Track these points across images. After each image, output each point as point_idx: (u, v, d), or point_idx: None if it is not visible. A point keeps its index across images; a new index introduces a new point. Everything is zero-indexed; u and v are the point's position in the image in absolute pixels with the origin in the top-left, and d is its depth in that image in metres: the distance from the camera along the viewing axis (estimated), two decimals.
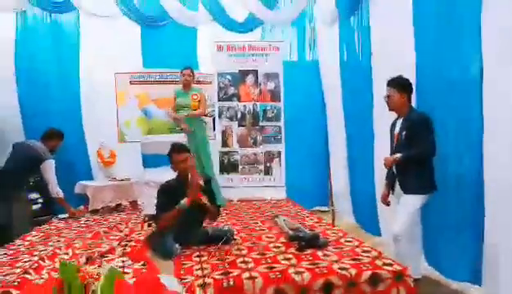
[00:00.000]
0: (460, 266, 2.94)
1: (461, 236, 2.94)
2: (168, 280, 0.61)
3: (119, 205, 4.87)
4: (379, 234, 4.27)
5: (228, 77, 5.33)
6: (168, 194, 2.99)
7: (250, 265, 2.51)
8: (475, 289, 2.85)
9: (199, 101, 4.68)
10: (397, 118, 3.14)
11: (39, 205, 4.81)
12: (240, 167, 5.30)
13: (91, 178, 5.33)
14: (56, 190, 4.23)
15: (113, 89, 5.55)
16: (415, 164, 2.94)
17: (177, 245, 2.86)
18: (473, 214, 2.81)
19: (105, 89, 5.53)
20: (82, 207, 4.74)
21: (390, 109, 3.16)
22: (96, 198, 4.65)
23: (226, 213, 4.26)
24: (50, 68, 5.37)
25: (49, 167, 4.13)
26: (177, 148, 3.10)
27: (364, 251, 2.68)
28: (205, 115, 4.99)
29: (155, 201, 3.04)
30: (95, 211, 4.62)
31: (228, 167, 5.28)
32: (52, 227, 4.06)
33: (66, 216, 4.44)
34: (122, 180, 4.92)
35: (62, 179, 5.09)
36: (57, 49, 5.42)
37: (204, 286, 2.22)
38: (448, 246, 3.10)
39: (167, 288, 0.58)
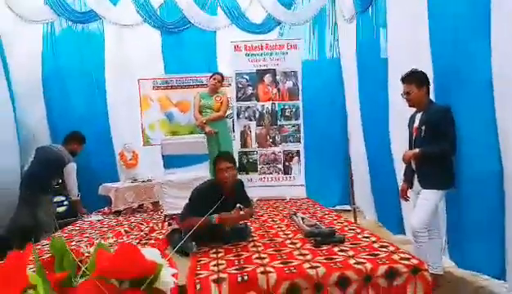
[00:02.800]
0: (483, 262, 2.85)
1: (484, 231, 2.84)
2: (149, 251, 0.62)
3: (141, 206, 4.97)
4: (404, 233, 4.18)
5: (246, 77, 5.36)
6: (202, 199, 3.00)
7: (265, 261, 2.51)
8: (500, 284, 2.75)
9: (221, 103, 4.80)
10: (415, 113, 3.07)
11: (65, 207, 4.97)
12: (259, 166, 5.32)
13: (117, 180, 5.48)
14: (74, 193, 4.38)
15: (137, 94, 5.73)
16: (435, 159, 2.87)
17: (193, 243, 2.89)
18: (495, 209, 2.72)
19: (130, 94, 5.73)
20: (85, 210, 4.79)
21: (410, 106, 3.09)
22: (119, 200, 4.75)
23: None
24: (76, 75, 5.59)
25: (71, 171, 4.28)
26: (223, 154, 3.21)
27: (381, 247, 2.62)
28: (226, 117, 5.07)
29: (187, 201, 3.09)
30: (118, 212, 4.72)
31: (247, 166, 5.30)
32: (77, 228, 4.19)
33: (92, 217, 4.57)
34: (143, 182, 5.02)
35: (89, 181, 5.30)
36: (83, 57, 5.65)
37: (218, 281, 2.25)
38: (472, 241, 3.00)
39: (147, 258, 0.59)
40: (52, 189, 4.45)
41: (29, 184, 4.16)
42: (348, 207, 5.52)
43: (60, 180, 4.57)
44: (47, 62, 5.47)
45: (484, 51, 2.70)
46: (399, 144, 3.57)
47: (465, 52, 2.95)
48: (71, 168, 4.28)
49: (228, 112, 5.61)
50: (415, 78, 2.98)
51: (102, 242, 0.66)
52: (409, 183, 3.12)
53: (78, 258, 0.75)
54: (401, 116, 3.37)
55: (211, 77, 4.95)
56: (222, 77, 5.00)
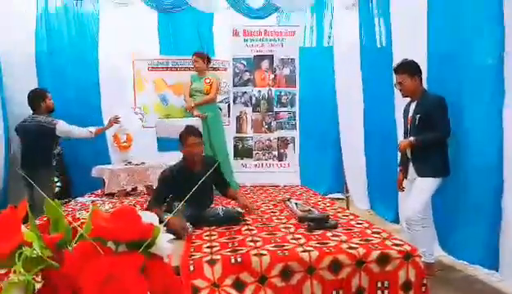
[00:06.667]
0: (475, 251, 2.87)
1: (477, 221, 2.87)
2: (146, 214, 0.61)
3: (134, 189, 4.94)
4: (397, 222, 4.20)
5: (243, 62, 5.32)
6: (166, 184, 3.06)
7: (259, 244, 2.51)
8: (491, 274, 2.79)
9: (210, 85, 4.71)
10: (410, 102, 3.08)
11: (57, 188, 4.92)
12: (254, 152, 5.30)
13: (109, 163, 5.43)
14: (86, 132, 4.25)
15: (131, 75, 5.65)
16: (430, 147, 2.89)
17: (188, 224, 2.89)
18: (490, 198, 2.74)
19: (124, 75, 5.63)
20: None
21: (404, 96, 3.12)
22: (112, 182, 4.71)
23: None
24: (70, 54, 5.47)
25: (64, 126, 4.08)
26: (190, 130, 3.15)
27: (374, 233, 2.64)
28: (214, 100, 4.93)
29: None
30: (111, 195, 4.69)
31: (242, 152, 5.29)
32: (69, 209, 4.15)
33: (84, 199, 4.54)
34: (137, 165, 4.98)
35: (80, 163, 5.25)
36: (77, 36, 5.52)
37: (212, 262, 2.25)
38: (463, 230, 3.03)
39: (143, 220, 0.58)
40: (54, 160, 4.25)
41: (28, 162, 3.99)
42: (340, 195, 5.54)
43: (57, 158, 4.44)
44: (41, 41, 5.34)
45: (490, 38, 2.70)
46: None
47: (468, 39, 2.94)
48: (62, 125, 4.07)
49: (222, 96, 5.57)
50: (407, 68, 3.00)
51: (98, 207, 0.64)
52: (405, 172, 3.13)
53: (73, 224, 0.73)
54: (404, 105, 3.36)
55: (191, 58, 4.83)
56: (205, 57, 4.82)
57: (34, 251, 0.54)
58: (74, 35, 5.50)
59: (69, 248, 0.66)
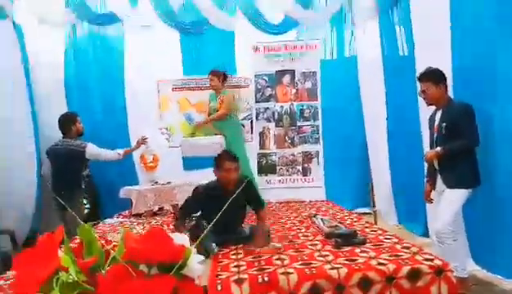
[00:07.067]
0: (511, 264, 2.76)
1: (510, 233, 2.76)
2: (178, 236, 0.62)
3: (161, 208, 4.99)
4: (427, 236, 4.09)
5: (265, 78, 5.35)
6: (197, 201, 3.07)
7: (286, 262, 2.49)
8: None
9: (221, 102, 4.74)
10: (435, 111, 3.03)
11: (86, 210, 5.02)
12: (278, 168, 5.29)
13: (136, 183, 5.52)
14: (114, 154, 4.34)
15: (156, 96, 5.79)
16: (458, 157, 2.81)
17: (214, 244, 2.88)
18: None
19: (149, 96, 5.78)
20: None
21: (429, 104, 3.08)
22: (140, 202, 4.77)
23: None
24: (97, 78, 5.66)
25: (93, 149, 4.17)
26: (227, 155, 3.12)
27: (404, 248, 2.57)
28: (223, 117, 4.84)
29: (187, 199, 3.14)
30: (138, 215, 4.74)
31: (266, 168, 5.28)
32: (98, 230, 4.21)
33: (113, 220, 4.61)
34: (164, 185, 5.04)
35: (108, 185, 5.37)
36: (104, 60, 5.70)
37: (239, 281, 2.24)
38: (498, 243, 2.92)
39: (175, 241, 0.59)
40: (83, 182, 4.38)
41: (58, 185, 4.10)
42: (367, 210, 5.43)
43: (87, 179, 4.54)
44: (69, 66, 5.56)
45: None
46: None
47: (489, 49, 2.89)
48: (91, 148, 4.17)
49: (245, 113, 5.61)
50: (431, 76, 2.96)
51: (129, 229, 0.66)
52: (433, 184, 3.06)
53: (106, 247, 0.75)
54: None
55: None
56: (220, 75, 4.84)
57: (70, 276, 0.56)
58: (100, 59, 5.68)
59: (103, 271, 0.68)
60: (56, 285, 0.54)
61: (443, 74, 2.95)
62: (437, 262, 2.24)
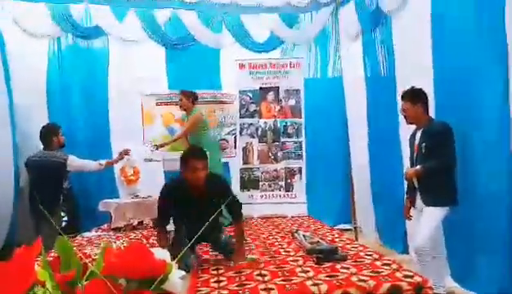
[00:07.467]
0: (488, 281, 2.81)
1: (490, 250, 2.82)
2: (158, 251, 0.62)
3: (140, 222, 4.92)
4: (406, 252, 4.13)
5: (249, 94, 5.40)
6: (166, 202, 2.85)
7: (267, 278, 2.48)
8: None
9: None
10: (416, 130, 3.10)
11: (64, 223, 4.91)
12: (261, 183, 5.30)
13: (117, 196, 5.44)
14: (95, 165, 4.30)
15: (139, 110, 5.75)
16: (437, 176, 2.87)
17: (193, 256, 2.85)
18: (503, 226, 2.70)
19: (132, 110, 5.72)
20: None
21: (408, 123, 3.15)
22: (119, 216, 4.70)
23: (246, 230, 4.24)
24: (80, 91, 5.60)
25: (75, 161, 4.13)
26: (193, 151, 2.86)
27: (384, 265, 2.60)
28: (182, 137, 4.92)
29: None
30: (117, 229, 4.66)
31: (249, 183, 5.28)
32: (75, 244, 4.12)
33: (91, 234, 4.52)
34: (144, 198, 4.98)
35: (88, 197, 5.28)
36: (87, 73, 5.66)
37: None
38: (476, 261, 2.97)
39: (155, 256, 0.58)
40: (62, 194, 4.26)
41: (36, 196, 4.02)
42: (348, 226, 5.47)
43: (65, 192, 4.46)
44: (52, 77, 5.48)
45: (494, 64, 2.74)
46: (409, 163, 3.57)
47: (472, 65, 2.99)
48: (73, 159, 4.11)
49: (229, 128, 5.64)
50: (410, 95, 3.04)
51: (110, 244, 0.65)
52: (412, 201, 3.11)
53: (84, 261, 0.74)
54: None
55: None
56: (189, 95, 4.84)
57: (47, 292, 0.55)
58: (84, 71, 5.64)
59: (80, 286, 0.67)
60: None
61: (422, 94, 3.02)
62: (417, 279, 2.27)
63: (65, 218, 4.97)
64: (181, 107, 4.90)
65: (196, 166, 2.68)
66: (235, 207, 2.94)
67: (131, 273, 0.58)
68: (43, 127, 4.24)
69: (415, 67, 3.73)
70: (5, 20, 4.90)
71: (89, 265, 0.71)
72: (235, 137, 5.56)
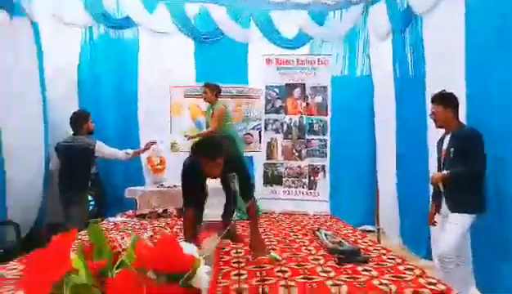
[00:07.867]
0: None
1: None
2: (185, 245, 0.63)
3: (165, 210, 5.00)
4: (429, 258, 4.05)
5: (276, 89, 5.38)
6: (191, 174, 2.79)
7: (287, 274, 2.48)
8: None
9: (212, 116, 4.74)
10: (445, 134, 3.02)
11: (90, 207, 5.05)
12: (284, 179, 5.28)
13: (143, 184, 5.55)
14: (122, 153, 4.36)
15: (168, 101, 5.83)
16: (464, 182, 2.80)
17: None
18: None
19: (161, 101, 5.82)
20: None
21: (437, 126, 3.07)
22: (144, 203, 4.81)
23: (268, 224, 4.26)
24: (111, 80, 5.74)
25: (102, 147, 4.21)
26: (205, 151, 2.57)
27: (407, 269, 2.55)
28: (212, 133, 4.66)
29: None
30: (142, 216, 4.76)
31: (272, 179, 5.27)
32: (102, 228, 4.23)
33: (117, 218, 4.63)
34: (169, 187, 5.06)
35: (115, 184, 5.41)
36: (118, 63, 5.79)
37: (240, 291, 2.23)
38: (503, 272, 2.88)
39: (184, 251, 0.59)
40: (90, 179, 4.41)
41: (65, 180, 4.13)
42: (370, 228, 5.40)
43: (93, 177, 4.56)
44: (84, 67, 5.64)
45: None
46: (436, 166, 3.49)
47: (504, 69, 2.89)
48: (100, 145, 4.20)
49: (254, 123, 5.64)
50: (440, 98, 2.96)
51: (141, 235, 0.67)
52: (437, 207, 3.04)
53: (115, 250, 0.75)
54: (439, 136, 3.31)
55: None
56: (213, 88, 4.79)
57: (81, 279, 0.57)
58: (115, 61, 5.77)
59: (111, 275, 0.68)
60: (67, 287, 0.55)
61: (454, 98, 2.94)
62: (441, 286, 2.21)
63: (92, 203, 5.12)
64: (205, 99, 4.91)
65: (210, 164, 2.57)
66: (243, 185, 2.90)
67: (161, 267, 0.59)
68: (74, 113, 4.34)
69: (447, 70, 3.64)
70: (37, 9, 5.03)
71: (120, 254, 0.72)
72: (259, 132, 5.58)
